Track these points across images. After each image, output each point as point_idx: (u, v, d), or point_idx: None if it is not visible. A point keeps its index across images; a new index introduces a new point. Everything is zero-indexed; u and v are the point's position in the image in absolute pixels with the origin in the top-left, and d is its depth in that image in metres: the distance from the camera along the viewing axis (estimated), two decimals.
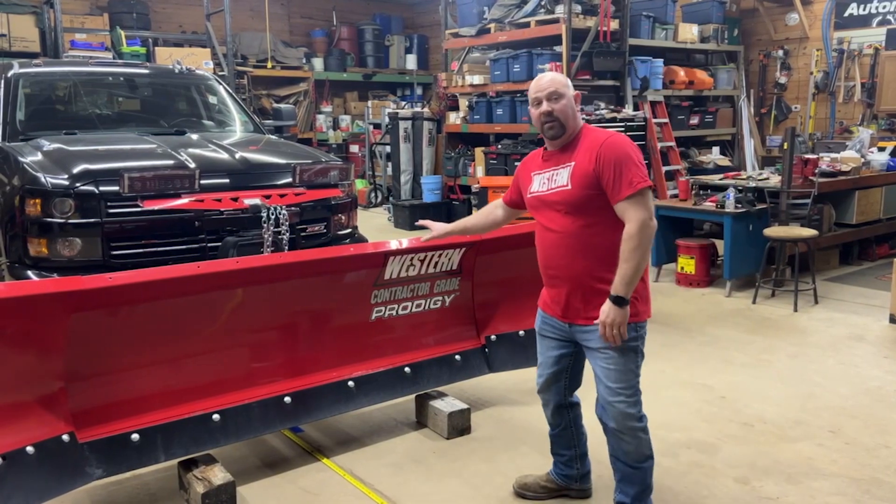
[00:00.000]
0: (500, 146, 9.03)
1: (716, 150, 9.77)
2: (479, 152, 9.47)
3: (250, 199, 3.73)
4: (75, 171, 3.70)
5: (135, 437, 2.88)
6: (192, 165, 3.77)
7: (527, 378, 4.29)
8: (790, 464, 3.36)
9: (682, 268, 6.53)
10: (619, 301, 2.48)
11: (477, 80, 9.43)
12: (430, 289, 3.73)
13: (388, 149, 11.00)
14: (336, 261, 3.36)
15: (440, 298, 3.79)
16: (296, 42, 13.57)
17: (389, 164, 11.02)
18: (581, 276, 2.59)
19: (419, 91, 14.35)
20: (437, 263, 3.65)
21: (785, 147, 6.13)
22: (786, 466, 3.33)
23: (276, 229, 3.73)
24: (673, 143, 9.12)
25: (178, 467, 3.08)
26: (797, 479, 3.22)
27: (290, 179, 4.09)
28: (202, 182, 3.75)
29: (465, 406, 3.66)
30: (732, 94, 10.39)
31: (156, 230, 3.70)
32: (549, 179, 2.64)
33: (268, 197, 3.84)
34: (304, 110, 12.95)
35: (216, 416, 3.07)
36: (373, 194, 11.73)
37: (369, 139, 12.13)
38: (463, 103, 9.82)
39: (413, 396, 3.77)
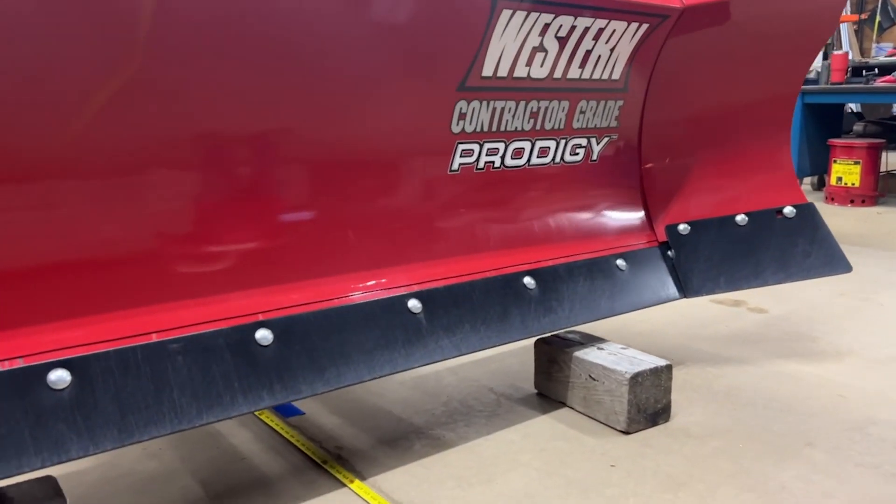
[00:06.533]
0: None
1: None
2: None
3: None
4: None
5: None
6: None
7: (718, 310, 2.35)
8: None
9: (840, 178, 4.58)
10: None
11: None
12: (566, 118, 1.77)
13: None
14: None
15: (583, 142, 1.84)
16: None
17: None
18: None
19: None
20: (587, 55, 1.69)
21: None
22: None
23: None
24: None
25: None
26: None
27: None
28: None
29: (662, 361, 1.69)
30: None
31: None
32: None
33: None
34: None
35: (62, 376, 1.11)
36: None
37: None
38: None
39: (532, 341, 1.83)
